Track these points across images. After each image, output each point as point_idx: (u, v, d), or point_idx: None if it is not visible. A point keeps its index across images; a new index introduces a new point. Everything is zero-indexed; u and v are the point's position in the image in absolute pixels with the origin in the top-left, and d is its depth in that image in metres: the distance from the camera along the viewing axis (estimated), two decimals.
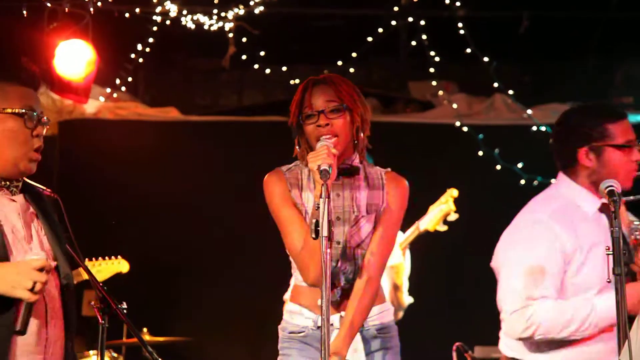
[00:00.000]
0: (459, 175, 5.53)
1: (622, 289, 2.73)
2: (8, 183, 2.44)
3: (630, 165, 3.20)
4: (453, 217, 4.54)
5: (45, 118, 2.46)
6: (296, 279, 3.01)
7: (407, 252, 4.68)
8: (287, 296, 4.31)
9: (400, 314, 4.64)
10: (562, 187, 3.29)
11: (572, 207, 3.23)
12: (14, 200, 2.44)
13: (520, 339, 3.19)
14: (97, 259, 4.83)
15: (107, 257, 4.84)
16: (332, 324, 2.89)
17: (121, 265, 4.89)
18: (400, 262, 4.61)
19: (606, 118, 3.23)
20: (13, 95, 2.44)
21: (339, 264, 2.92)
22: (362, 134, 2.99)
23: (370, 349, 3.03)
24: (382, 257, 3.04)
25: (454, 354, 4.08)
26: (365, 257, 2.98)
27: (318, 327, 2.92)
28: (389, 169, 3.08)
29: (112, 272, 4.85)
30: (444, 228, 4.55)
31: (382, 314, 3.06)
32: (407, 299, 4.65)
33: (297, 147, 3.00)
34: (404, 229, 4.69)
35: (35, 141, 2.43)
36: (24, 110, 2.41)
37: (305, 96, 2.96)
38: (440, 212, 4.60)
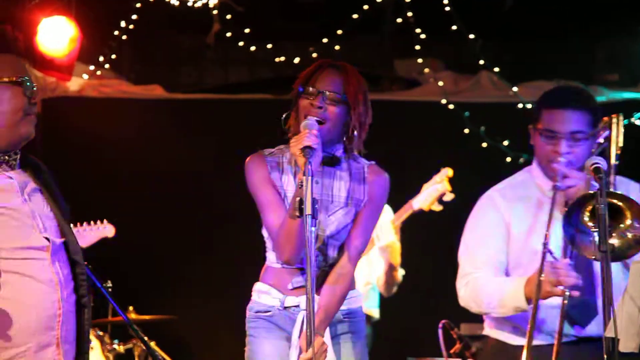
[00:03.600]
0: (445, 153, 5.57)
1: (607, 266, 2.80)
2: (7, 157, 2.45)
3: (551, 155, 3.30)
4: (449, 197, 4.56)
5: (35, 87, 2.50)
6: (269, 259, 3.04)
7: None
8: None
9: (395, 289, 4.72)
10: (530, 166, 3.47)
11: (525, 185, 3.43)
12: (10, 178, 2.44)
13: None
14: (81, 224, 4.81)
15: (92, 222, 4.84)
16: (297, 306, 2.96)
17: (107, 230, 4.89)
18: (393, 240, 4.65)
19: (544, 103, 3.38)
20: (8, 65, 2.47)
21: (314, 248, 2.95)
22: (356, 134, 3.02)
23: (336, 332, 3.08)
24: (360, 250, 3.09)
25: (440, 331, 4.10)
26: (341, 248, 3.02)
27: (285, 308, 2.98)
28: (373, 162, 3.11)
29: (98, 237, 4.86)
30: (439, 208, 4.60)
31: (351, 300, 3.11)
32: (400, 272, 4.70)
33: (287, 119, 3.03)
34: (396, 207, 4.78)
35: (33, 108, 2.46)
36: (21, 79, 2.45)
37: (315, 73, 2.99)
38: (436, 191, 4.62)
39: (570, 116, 3.31)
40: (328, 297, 3.00)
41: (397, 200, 4.63)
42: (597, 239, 2.88)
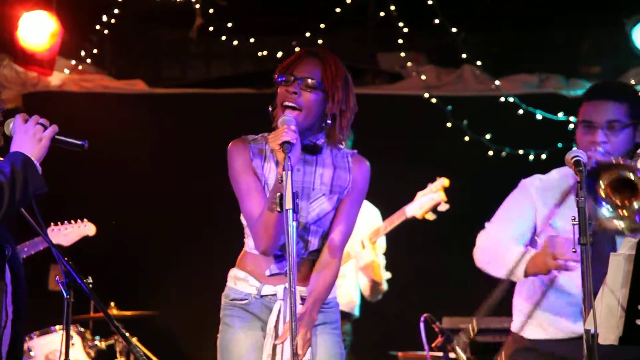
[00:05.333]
0: (428, 147, 5.66)
1: (587, 259, 2.83)
2: None
3: (589, 145, 3.36)
4: (444, 207, 4.59)
5: None
6: (247, 245, 3.04)
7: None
8: None
9: (380, 296, 4.77)
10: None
11: (567, 178, 3.45)
12: None
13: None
14: (62, 223, 4.82)
15: (72, 221, 4.83)
16: (274, 294, 2.97)
17: (88, 229, 4.89)
18: (372, 259, 4.66)
19: (584, 96, 3.48)
20: None
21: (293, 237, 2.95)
22: (337, 122, 3.01)
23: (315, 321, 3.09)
24: (346, 236, 3.10)
25: (422, 325, 4.13)
26: (325, 236, 3.03)
27: (262, 296, 2.98)
28: (355, 151, 3.12)
29: (79, 236, 4.87)
30: (432, 217, 4.63)
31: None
32: (385, 275, 4.73)
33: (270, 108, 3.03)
34: (381, 203, 4.83)
35: None
36: None
37: (294, 61, 3.01)
38: (431, 201, 4.66)
39: (605, 106, 3.37)
40: (315, 285, 3.01)
41: (377, 193, 4.49)
42: (608, 213, 3.02)
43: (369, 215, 4.74)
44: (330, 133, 3.04)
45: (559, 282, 3.41)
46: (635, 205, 3.08)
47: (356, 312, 4.63)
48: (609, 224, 3.11)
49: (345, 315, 4.28)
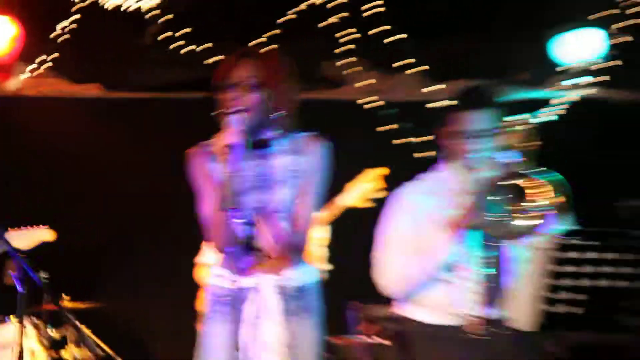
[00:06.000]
0: (370, 150, 5.73)
1: (497, 250, 3.14)
2: None
3: (461, 151, 3.43)
4: (377, 194, 4.64)
5: None
6: None
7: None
8: (205, 259, 4.56)
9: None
10: (443, 162, 3.56)
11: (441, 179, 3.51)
12: None
13: None
14: (20, 228, 4.81)
15: (32, 226, 4.85)
16: (254, 287, 2.99)
17: (46, 234, 4.91)
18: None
19: (455, 107, 3.50)
20: None
21: (255, 230, 2.96)
22: (284, 112, 2.96)
23: (289, 309, 3.08)
24: (308, 219, 3.09)
25: (349, 312, 4.24)
26: (291, 218, 3.02)
27: (240, 289, 2.97)
28: (313, 133, 3.08)
29: (38, 241, 4.88)
30: (369, 204, 4.67)
31: (304, 275, 3.12)
32: (323, 266, 4.73)
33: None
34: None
35: None
36: None
37: (230, 66, 2.95)
38: (362, 189, 4.74)
39: (473, 116, 3.41)
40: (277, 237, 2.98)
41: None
42: (503, 219, 3.10)
43: None
44: (281, 123, 3.00)
45: (448, 271, 3.41)
46: (524, 205, 3.19)
47: None
48: (502, 226, 3.21)
49: None
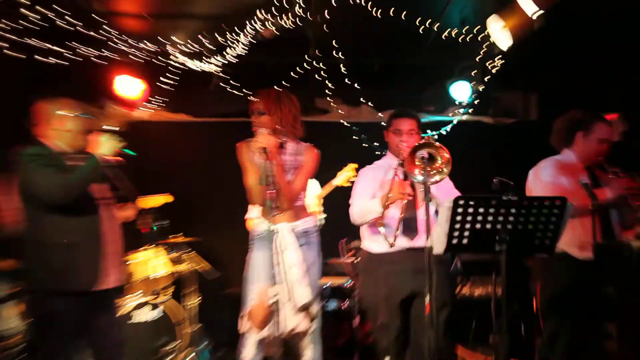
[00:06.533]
0: (345, 153, 6.35)
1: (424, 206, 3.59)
2: None
3: (399, 143, 4.19)
4: (354, 179, 5.43)
5: None
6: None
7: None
8: (250, 214, 5.39)
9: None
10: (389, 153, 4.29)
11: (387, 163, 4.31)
12: None
13: None
14: (150, 195, 5.69)
15: (158, 194, 5.76)
16: (276, 230, 3.64)
17: (167, 198, 5.77)
18: (318, 209, 5.80)
19: (393, 116, 4.38)
20: None
21: (277, 195, 3.63)
22: (288, 127, 3.66)
23: (299, 242, 3.79)
24: (297, 190, 3.75)
25: (341, 247, 5.65)
26: (292, 187, 3.72)
27: (271, 231, 3.62)
28: (309, 144, 3.78)
29: (163, 201, 5.79)
30: (348, 184, 5.67)
31: (306, 223, 3.85)
32: (322, 216, 5.98)
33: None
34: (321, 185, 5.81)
35: None
36: None
37: (252, 102, 3.73)
38: (346, 176, 5.87)
39: (408, 121, 4.29)
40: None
41: (319, 180, 5.77)
42: (419, 179, 3.54)
43: (316, 187, 6.03)
44: (286, 133, 3.69)
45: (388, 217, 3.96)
46: (436, 165, 3.70)
47: None
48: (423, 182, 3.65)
49: None
